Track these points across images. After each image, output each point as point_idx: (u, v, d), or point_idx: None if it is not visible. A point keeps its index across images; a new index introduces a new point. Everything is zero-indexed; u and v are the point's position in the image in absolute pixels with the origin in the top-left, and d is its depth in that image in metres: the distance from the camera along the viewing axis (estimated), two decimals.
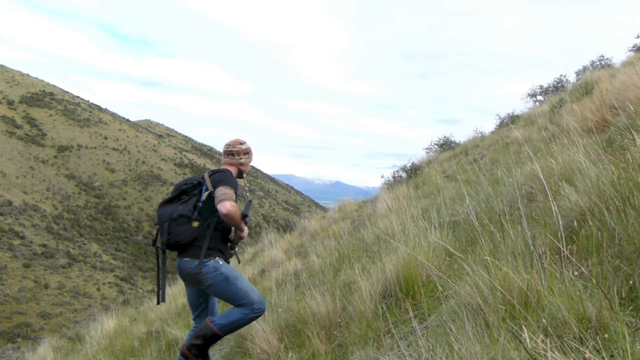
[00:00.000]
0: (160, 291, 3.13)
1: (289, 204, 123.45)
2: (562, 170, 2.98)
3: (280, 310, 3.84)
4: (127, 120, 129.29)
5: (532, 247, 1.97)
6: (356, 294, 3.05)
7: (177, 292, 8.22)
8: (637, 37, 10.31)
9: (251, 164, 3.35)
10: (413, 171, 10.17)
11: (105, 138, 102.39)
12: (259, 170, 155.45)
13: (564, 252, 1.84)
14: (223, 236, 3.06)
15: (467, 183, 5.25)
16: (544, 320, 1.55)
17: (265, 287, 5.50)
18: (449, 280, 2.35)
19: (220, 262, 2.97)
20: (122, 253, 69.57)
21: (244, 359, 3.52)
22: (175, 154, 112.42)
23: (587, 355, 1.33)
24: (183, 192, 3.00)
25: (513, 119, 11.30)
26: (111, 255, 65.08)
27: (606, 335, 1.44)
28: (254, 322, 3.28)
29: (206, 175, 3.08)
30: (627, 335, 1.32)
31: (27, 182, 77.12)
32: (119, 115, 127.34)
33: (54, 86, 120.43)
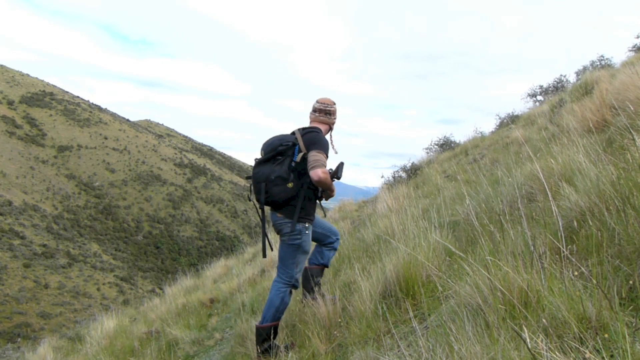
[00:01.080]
0: (264, 245, 3.32)
1: None
2: (562, 170, 2.98)
3: None
4: (127, 120, 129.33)
5: (532, 247, 1.97)
6: (356, 294, 3.05)
7: (177, 292, 8.23)
8: (637, 37, 10.32)
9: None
10: (413, 171, 10.18)
11: (105, 138, 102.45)
12: None
13: (564, 252, 1.84)
14: (314, 193, 3.25)
15: (467, 183, 5.26)
16: (544, 320, 1.55)
17: (265, 287, 5.50)
18: (449, 280, 2.35)
19: (307, 231, 3.19)
20: (122, 253, 69.61)
21: (244, 359, 3.52)
22: (175, 154, 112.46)
23: (587, 355, 1.33)
24: (279, 153, 3.11)
25: (513, 119, 11.30)
26: (111, 255, 65.12)
27: (606, 335, 1.44)
28: (254, 322, 3.45)
29: (298, 134, 3.17)
30: (627, 335, 1.32)
31: (27, 182, 77.15)
32: (119, 115, 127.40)
33: (54, 86, 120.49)
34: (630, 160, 2.34)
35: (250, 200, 3.21)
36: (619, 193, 2.05)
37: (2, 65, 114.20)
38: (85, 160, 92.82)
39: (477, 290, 1.91)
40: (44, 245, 53.73)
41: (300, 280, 3.29)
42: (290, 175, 3.04)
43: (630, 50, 10.33)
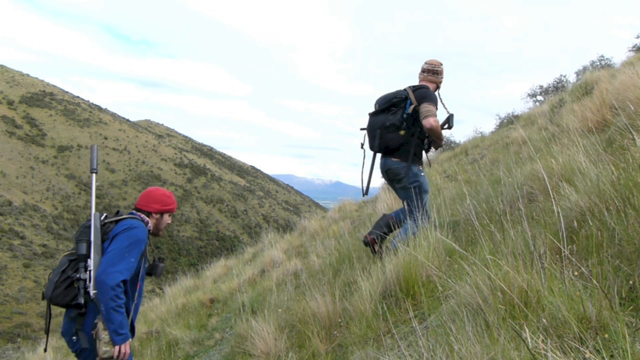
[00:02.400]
0: (368, 185, 3.68)
1: (289, 204, 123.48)
2: (562, 170, 2.98)
3: (280, 310, 3.84)
4: (127, 120, 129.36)
5: (532, 247, 1.97)
6: (356, 294, 3.05)
7: (177, 292, 8.23)
8: (637, 37, 10.32)
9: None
10: None
11: (105, 138, 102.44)
12: (259, 171, 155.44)
13: (564, 252, 1.84)
14: (422, 143, 3.53)
15: (467, 183, 5.26)
16: (544, 320, 1.55)
17: (265, 287, 5.50)
18: (449, 280, 2.35)
19: (422, 173, 3.50)
20: None
21: (245, 359, 3.52)
22: (175, 154, 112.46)
23: (587, 355, 1.33)
24: (393, 105, 3.46)
25: (513, 119, 11.30)
26: None
27: (606, 335, 1.44)
28: (254, 322, 3.45)
29: (409, 90, 3.47)
30: (627, 335, 1.32)
31: (27, 182, 77.15)
32: (119, 116, 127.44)
33: (54, 86, 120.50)
34: (631, 160, 2.34)
35: (362, 147, 3.60)
36: (619, 193, 2.05)
37: (2, 65, 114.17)
38: (85, 160, 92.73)
39: (477, 290, 1.91)
40: (44, 245, 53.72)
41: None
42: (402, 124, 3.39)
43: (630, 50, 10.34)
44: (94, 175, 2.82)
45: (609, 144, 3.52)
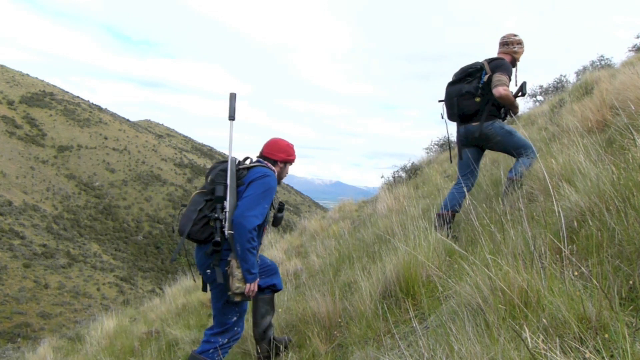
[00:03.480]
0: (460, 153, 3.86)
1: (289, 204, 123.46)
2: (562, 170, 2.98)
3: (280, 310, 3.84)
4: (127, 120, 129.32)
5: (532, 247, 1.97)
6: (356, 294, 3.05)
7: (177, 292, 8.23)
8: (637, 37, 10.32)
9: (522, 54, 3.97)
10: (413, 171, 10.17)
11: (105, 138, 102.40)
12: None
13: (565, 252, 1.84)
14: (498, 110, 3.75)
15: None
16: (544, 320, 1.55)
17: None
18: (449, 280, 2.35)
19: (503, 123, 3.73)
20: (122, 253, 69.57)
21: (245, 359, 3.52)
22: (175, 154, 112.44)
23: (587, 355, 1.33)
24: (468, 75, 3.74)
25: (513, 120, 11.28)
26: (111, 255, 65.09)
27: (606, 335, 1.44)
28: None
29: (485, 62, 3.73)
30: (627, 335, 1.32)
31: (27, 182, 77.13)
32: (119, 115, 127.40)
33: (54, 86, 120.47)
34: (631, 160, 2.34)
35: (443, 118, 3.88)
36: (619, 193, 2.05)
37: (2, 65, 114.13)
38: (85, 160, 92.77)
39: (477, 290, 1.91)
40: (44, 245, 53.70)
41: (535, 149, 3.70)
42: (478, 91, 3.64)
43: (630, 50, 10.32)
44: (231, 122, 2.99)
45: (609, 144, 3.52)
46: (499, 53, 3.88)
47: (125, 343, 5.86)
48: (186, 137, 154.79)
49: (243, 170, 2.92)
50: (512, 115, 3.82)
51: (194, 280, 3.44)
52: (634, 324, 1.49)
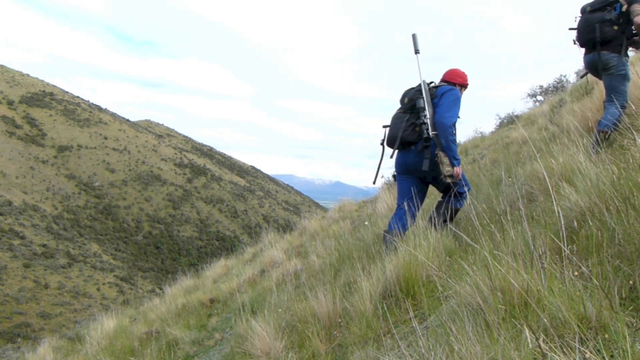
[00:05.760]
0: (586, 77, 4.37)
1: (289, 204, 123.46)
2: (562, 170, 2.98)
3: (280, 310, 3.84)
4: (127, 120, 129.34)
5: (532, 247, 1.97)
6: (356, 294, 3.05)
7: (176, 292, 8.23)
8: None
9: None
10: None
11: (105, 138, 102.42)
12: (259, 171, 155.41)
13: (565, 251, 1.84)
14: (630, 38, 3.90)
15: None
16: (544, 320, 1.55)
17: (265, 287, 5.50)
18: (449, 280, 2.35)
19: (628, 63, 3.88)
20: (122, 253, 69.60)
21: (244, 359, 3.52)
22: (175, 154, 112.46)
23: (587, 355, 1.33)
24: (608, 4, 3.89)
25: (513, 119, 11.30)
26: (111, 255, 65.10)
27: (606, 335, 1.44)
28: (254, 323, 3.46)
29: None
30: (627, 335, 1.32)
31: (27, 182, 77.14)
32: (118, 115, 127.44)
33: (54, 86, 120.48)
34: (631, 160, 2.34)
35: (575, 43, 4.09)
36: (619, 193, 2.05)
37: (2, 66, 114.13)
38: (85, 160, 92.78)
39: (477, 290, 1.91)
40: (44, 245, 53.70)
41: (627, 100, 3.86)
42: (619, 20, 3.81)
43: (630, 50, 10.31)
44: (417, 56, 3.74)
45: (609, 144, 3.52)
46: None
47: (125, 343, 5.86)
48: (186, 137, 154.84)
49: (433, 89, 3.69)
50: (636, 48, 4.03)
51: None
52: (634, 324, 1.49)
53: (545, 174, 2.53)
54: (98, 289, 46.58)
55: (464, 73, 3.93)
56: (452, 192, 3.65)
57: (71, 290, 43.75)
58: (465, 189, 3.70)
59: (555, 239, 2.01)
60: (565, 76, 11.98)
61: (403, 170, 3.79)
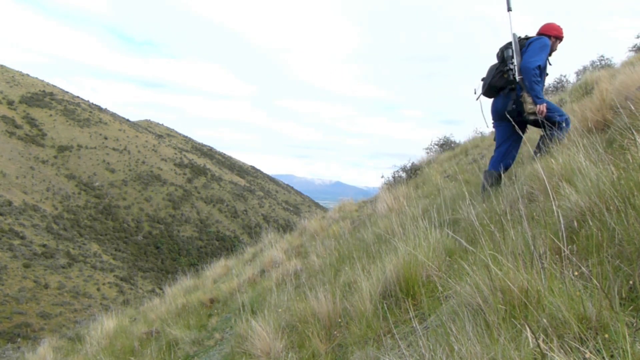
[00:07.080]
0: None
1: (289, 204, 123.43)
2: (562, 170, 2.98)
3: (280, 310, 3.84)
4: (127, 120, 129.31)
5: (532, 247, 1.97)
6: (356, 294, 3.05)
7: (176, 292, 8.23)
8: (637, 37, 10.31)
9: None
10: (413, 171, 10.17)
11: (105, 138, 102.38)
12: (259, 171, 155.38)
13: (565, 251, 1.84)
14: None
15: (467, 183, 5.25)
16: (544, 320, 1.55)
17: (265, 287, 5.50)
18: (449, 280, 2.35)
19: None
20: (122, 253, 69.58)
21: (245, 359, 3.52)
22: (175, 154, 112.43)
23: (587, 355, 1.33)
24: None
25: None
26: (111, 255, 65.08)
27: (606, 336, 1.44)
28: (254, 323, 3.45)
29: None
30: (627, 335, 1.32)
31: (27, 182, 77.12)
32: (118, 115, 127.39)
33: (54, 86, 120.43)
34: (631, 160, 2.34)
35: None
36: (619, 193, 2.05)
37: (2, 65, 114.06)
38: (85, 160, 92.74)
39: (477, 290, 1.91)
40: (44, 245, 53.68)
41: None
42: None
43: (630, 50, 10.32)
44: (510, 13, 4.09)
45: (609, 144, 3.52)
46: None
47: (125, 343, 5.86)
48: (186, 137, 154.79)
49: (523, 40, 4.06)
50: None
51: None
52: (634, 324, 1.49)
53: (544, 174, 2.53)
54: (98, 289, 46.56)
55: (559, 26, 4.22)
56: (545, 126, 3.91)
57: (71, 290, 43.74)
58: (561, 118, 3.90)
59: (555, 239, 2.01)
60: (565, 76, 11.97)
61: (496, 117, 4.22)
